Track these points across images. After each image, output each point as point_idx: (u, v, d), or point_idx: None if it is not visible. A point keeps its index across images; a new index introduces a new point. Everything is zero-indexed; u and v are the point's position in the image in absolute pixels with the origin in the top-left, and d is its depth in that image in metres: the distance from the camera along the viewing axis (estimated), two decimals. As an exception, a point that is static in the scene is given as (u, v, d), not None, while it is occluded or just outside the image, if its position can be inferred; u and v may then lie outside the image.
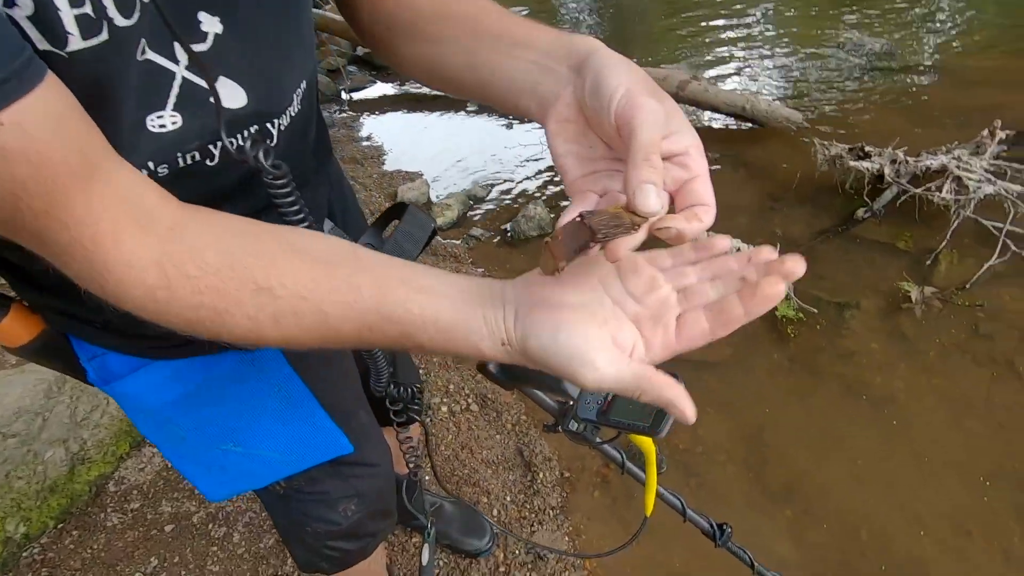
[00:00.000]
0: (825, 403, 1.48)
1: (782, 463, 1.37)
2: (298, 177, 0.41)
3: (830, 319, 1.68)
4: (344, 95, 3.64)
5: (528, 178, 2.59)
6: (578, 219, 0.31)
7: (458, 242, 2.19)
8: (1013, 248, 1.68)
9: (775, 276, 0.30)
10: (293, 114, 0.48)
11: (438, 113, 3.34)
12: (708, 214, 0.32)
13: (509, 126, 3.10)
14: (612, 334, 0.32)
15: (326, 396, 0.61)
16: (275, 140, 0.46)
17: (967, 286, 1.70)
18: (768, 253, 0.33)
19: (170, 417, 0.53)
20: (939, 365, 1.55)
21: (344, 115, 3.41)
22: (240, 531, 1.29)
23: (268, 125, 0.45)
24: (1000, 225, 1.74)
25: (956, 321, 1.64)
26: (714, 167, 2.46)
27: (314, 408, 0.59)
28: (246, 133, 0.43)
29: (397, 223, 0.66)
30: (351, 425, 0.65)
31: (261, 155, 0.37)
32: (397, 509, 1.15)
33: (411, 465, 0.85)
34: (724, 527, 0.92)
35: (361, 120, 3.35)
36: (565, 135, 0.36)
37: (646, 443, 0.70)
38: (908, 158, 1.99)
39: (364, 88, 3.80)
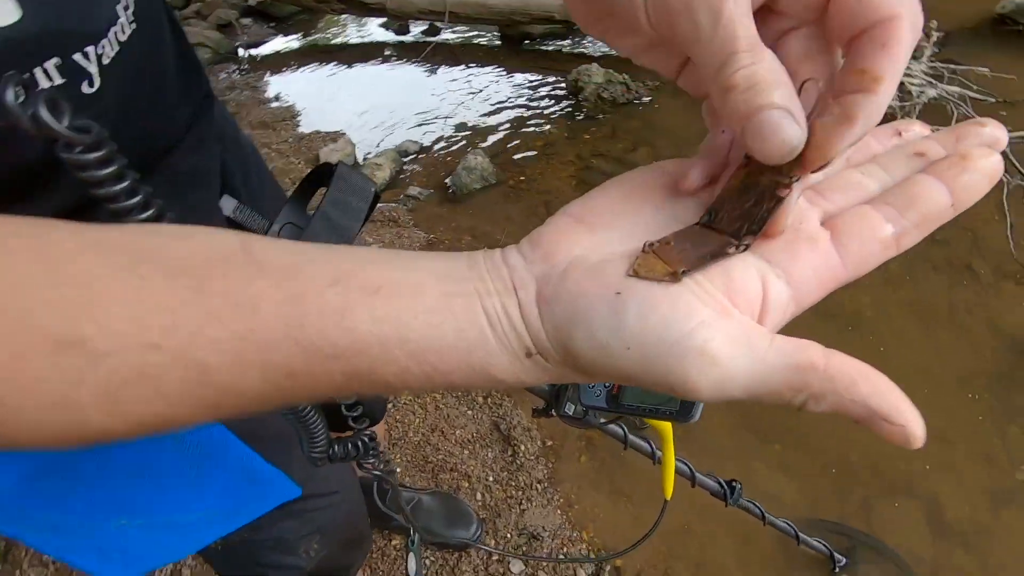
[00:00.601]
0: (801, 331, 1.44)
1: (765, 397, 1.33)
2: (155, 139, 0.28)
3: (793, 243, 1.64)
4: (242, 52, 3.24)
5: (463, 126, 2.39)
6: (697, 226, 0.22)
7: (395, 204, 1.99)
8: (960, 150, 1.66)
9: (980, 145, 0.21)
10: (122, 37, 0.31)
11: (353, 64, 3.03)
12: (872, 105, 0.18)
13: (433, 71, 2.85)
14: (721, 290, 0.20)
15: (253, 430, 0.45)
16: (96, 82, 0.29)
17: (919, 193, 1.69)
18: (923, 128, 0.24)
19: (22, 508, 0.36)
20: (901, 276, 1.54)
21: (245, 76, 3.03)
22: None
23: (78, 57, 0.28)
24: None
25: (912, 230, 1.63)
26: (651, 96, 2.34)
27: (238, 451, 0.43)
28: (39, 74, 0.26)
29: (325, 192, 0.49)
30: (292, 456, 0.50)
31: (44, 111, 0.20)
32: (372, 513, 1.03)
33: (379, 471, 0.72)
34: (734, 484, 0.85)
35: (266, 79, 2.99)
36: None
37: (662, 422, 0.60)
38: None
39: (264, 43, 3.39)
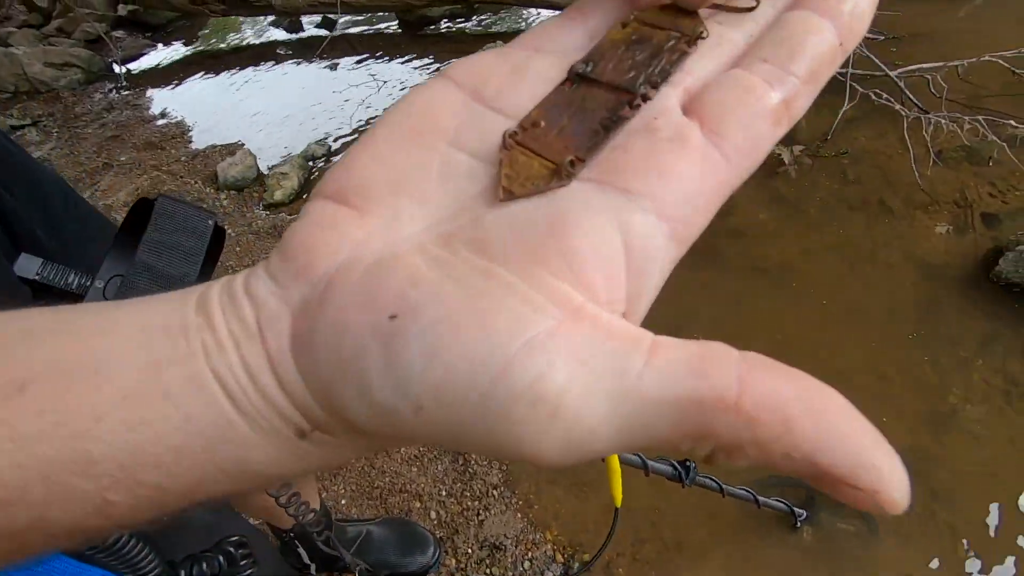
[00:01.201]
0: (735, 288, 1.45)
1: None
2: None
3: (717, 201, 1.64)
4: (117, 68, 2.94)
5: (371, 122, 2.25)
6: (566, 85, 0.16)
7: (308, 215, 1.86)
8: (860, 90, 1.71)
9: None
10: None
11: (245, 68, 2.81)
12: None
13: (333, 67, 2.68)
14: (556, 266, 0.13)
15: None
16: None
17: (828, 137, 1.72)
18: None
19: None
20: (822, 219, 1.57)
21: (124, 93, 2.76)
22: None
23: None
24: (844, 71, 1.76)
25: (827, 173, 1.66)
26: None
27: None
28: None
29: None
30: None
31: None
32: (320, 557, 0.94)
33: (306, 518, 0.64)
34: (687, 464, 0.82)
35: (149, 95, 2.74)
36: None
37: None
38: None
39: (142, 55, 3.11)
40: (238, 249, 1.71)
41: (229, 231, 1.77)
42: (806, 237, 1.53)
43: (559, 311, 0.12)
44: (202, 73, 2.87)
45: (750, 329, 1.36)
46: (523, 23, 2.78)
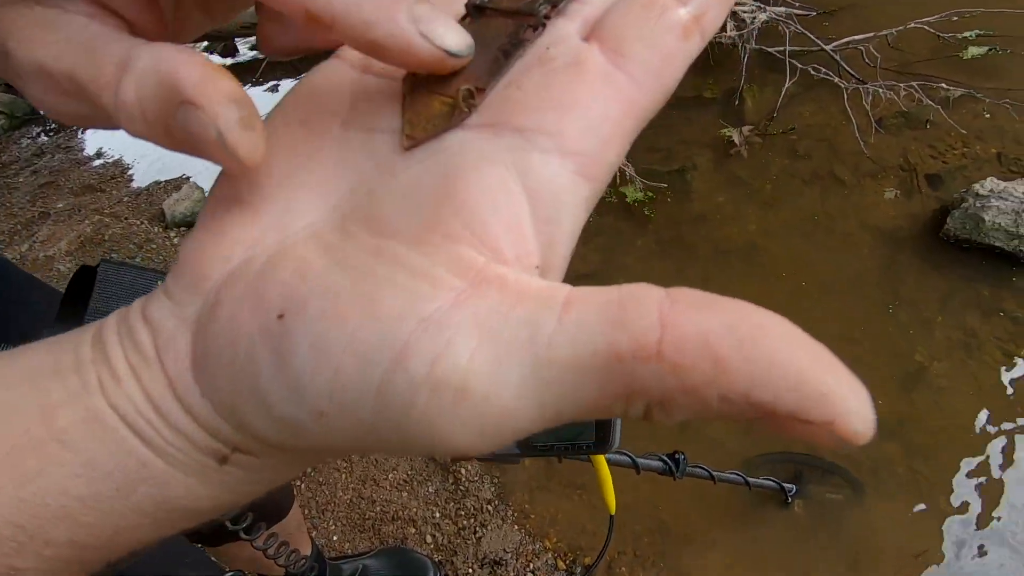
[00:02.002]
0: (702, 272, 1.47)
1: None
2: None
3: (676, 187, 1.66)
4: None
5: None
6: (465, 20, 0.14)
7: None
8: (800, 66, 1.75)
9: None
10: None
11: (181, 99, 2.71)
12: None
13: (274, 90, 2.61)
14: (448, 229, 0.12)
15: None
16: None
17: (774, 115, 1.76)
18: None
19: None
20: (778, 196, 1.60)
21: (55, 137, 2.63)
22: None
23: None
24: (782, 48, 1.81)
25: (777, 150, 1.70)
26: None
27: None
28: None
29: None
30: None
31: None
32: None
33: (298, 566, 0.61)
34: (677, 457, 0.82)
35: (81, 136, 2.61)
36: None
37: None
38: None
39: (70, 94, 2.96)
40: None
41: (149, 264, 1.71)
42: (765, 215, 1.56)
43: (458, 281, 0.11)
44: (137, 107, 2.75)
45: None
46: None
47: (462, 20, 0.14)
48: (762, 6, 1.90)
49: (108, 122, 0.14)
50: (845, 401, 0.10)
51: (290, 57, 0.17)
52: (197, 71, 0.12)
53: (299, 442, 0.12)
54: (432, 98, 0.13)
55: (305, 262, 0.12)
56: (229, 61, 2.99)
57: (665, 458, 0.81)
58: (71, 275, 0.35)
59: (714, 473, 0.88)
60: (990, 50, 1.66)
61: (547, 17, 0.14)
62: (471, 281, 0.11)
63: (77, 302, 0.36)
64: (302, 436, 0.12)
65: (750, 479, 0.93)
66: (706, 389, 0.10)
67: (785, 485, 1.02)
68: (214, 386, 0.12)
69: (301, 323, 0.11)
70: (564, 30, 0.13)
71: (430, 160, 0.13)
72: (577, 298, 0.11)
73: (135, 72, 0.12)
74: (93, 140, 2.57)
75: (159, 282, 0.15)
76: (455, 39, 0.13)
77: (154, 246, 1.80)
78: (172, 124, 0.12)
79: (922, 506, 1.04)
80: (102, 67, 0.13)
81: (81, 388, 0.12)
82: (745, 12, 1.89)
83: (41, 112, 2.59)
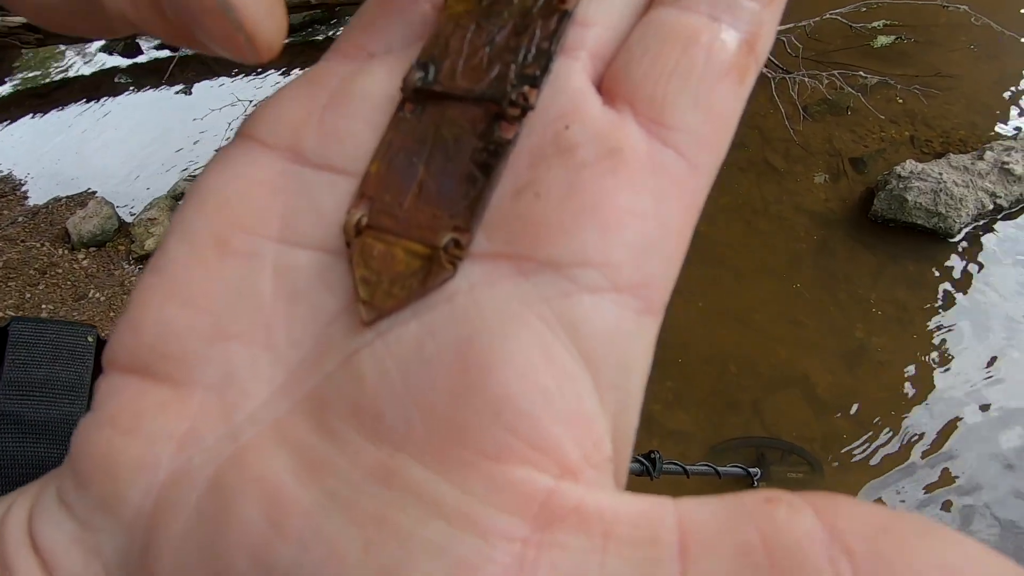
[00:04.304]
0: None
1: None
2: None
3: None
4: (-88, 122, 2.47)
5: (244, 148, 2.06)
6: (402, 115, 0.10)
7: (190, 261, 1.66)
8: (728, 57, 1.80)
9: None
10: None
11: (80, 104, 2.46)
12: None
13: (187, 91, 2.42)
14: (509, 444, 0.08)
15: None
16: None
17: (707, 105, 1.81)
18: None
19: None
20: (717, 184, 1.61)
21: (-73, 151, 2.32)
22: None
23: None
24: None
25: (712, 140, 1.75)
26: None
27: None
28: None
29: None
30: None
31: None
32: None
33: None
34: (652, 456, 0.81)
35: (-39, 149, 2.32)
36: None
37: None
38: None
39: (-57, 103, 2.62)
40: (112, 314, 1.50)
41: (97, 295, 1.54)
42: (706, 203, 1.60)
43: (517, 523, 0.08)
44: (29, 116, 2.48)
45: (671, 305, 1.40)
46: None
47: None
48: None
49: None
50: None
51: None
52: None
53: None
54: (393, 245, 0.09)
55: (278, 491, 0.08)
56: (132, 62, 2.74)
57: (641, 459, 0.80)
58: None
59: (687, 467, 0.89)
60: (897, 39, 1.77)
61: (526, 103, 0.09)
62: (534, 522, 0.08)
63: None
64: None
65: (720, 469, 0.95)
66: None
67: (750, 470, 1.04)
68: None
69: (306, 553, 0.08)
70: (574, 86, 0.10)
71: (429, 316, 0.09)
72: (696, 538, 0.07)
73: None
74: (-25, 154, 2.29)
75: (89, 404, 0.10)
76: None
77: (59, 271, 1.62)
78: None
79: (874, 475, 1.09)
80: None
81: None
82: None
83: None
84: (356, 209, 0.10)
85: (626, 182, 0.09)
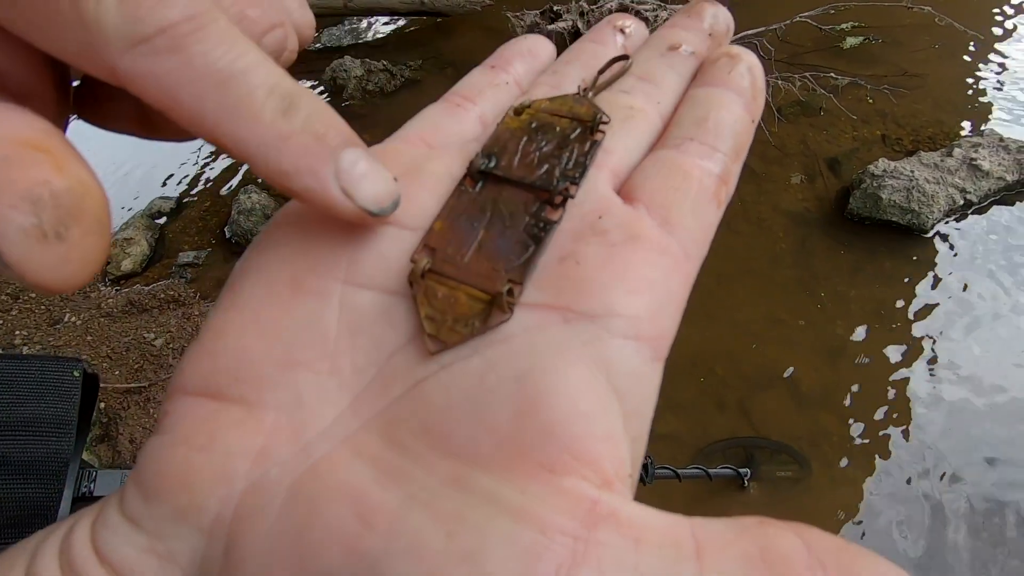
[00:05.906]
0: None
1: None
2: None
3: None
4: None
5: (213, 163, 2.03)
6: (464, 189, 0.13)
7: (168, 281, 1.63)
8: (702, 61, 1.83)
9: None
10: None
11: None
12: None
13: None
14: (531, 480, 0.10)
15: None
16: None
17: (684, 109, 1.84)
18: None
19: None
20: (696, 188, 1.67)
21: None
22: None
23: None
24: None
25: (690, 143, 1.77)
26: (416, 76, 2.24)
27: None
28: None
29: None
30: None
31: None
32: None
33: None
34: (646, 462, 0.82)
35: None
36: None
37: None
38: (591, 7, 2.01)
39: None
40: (89, 338, 1.46)
41: (72, 319, 1.51)
42: (686, 207, 1.62)
43: (569, 521, 0.09)
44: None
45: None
46: (367, 35, 2.65)
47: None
48: (663, 4, 1.97)
49: None
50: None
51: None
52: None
53: None
54: (457, 290, 0.11)
55: (364, 494, 0.09)
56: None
57: (634, 466, 0.81)
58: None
59: (679, 471, 0.89)
60: (865, 40, 1.82)
61: (568, 195, 0.13)
62: (583, 522, 0.09)
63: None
64: None
65: (711, 471, 0.96)
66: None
67: (740, 470, 1.06)
68: None
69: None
70: (603, 191, 0.13)
71: (490, 352, 0.11)
72: (708, 546, 0.10)
73: None
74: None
75: (111, 500, 0.10)
76: (377, 198, 0.11)
77: (32, 295, 1.58)
78: None
79: (863, 472, 1.11)
80: None
81: None
82: (648, 11, 1.95)
83: None
84: (420, 256, 0.11)
85: (644, 259, 0.12)
